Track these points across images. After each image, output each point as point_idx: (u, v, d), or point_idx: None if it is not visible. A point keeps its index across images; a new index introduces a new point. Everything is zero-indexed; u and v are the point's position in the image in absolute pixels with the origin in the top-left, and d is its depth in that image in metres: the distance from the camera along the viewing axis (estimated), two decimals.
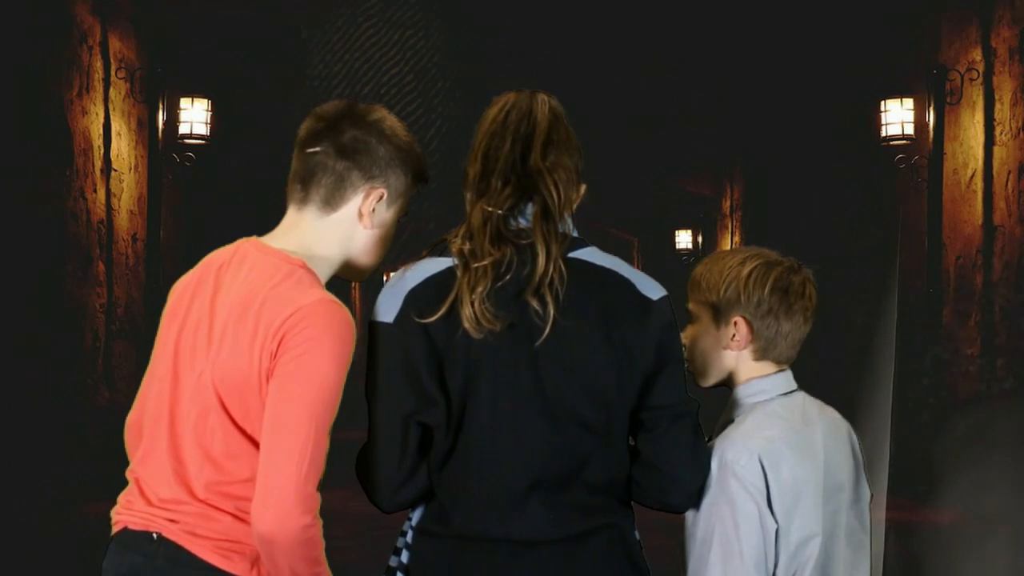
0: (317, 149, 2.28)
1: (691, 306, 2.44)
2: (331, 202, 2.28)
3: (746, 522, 2.25)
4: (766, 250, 2.42)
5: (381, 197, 2.29)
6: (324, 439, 2.13)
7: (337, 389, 2.14)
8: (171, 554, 2.18)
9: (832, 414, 2.44)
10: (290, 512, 2.08)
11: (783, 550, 2.28)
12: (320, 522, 2.13)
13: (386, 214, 2.33)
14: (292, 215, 2.32)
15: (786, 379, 2.41)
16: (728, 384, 2.43)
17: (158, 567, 2.19)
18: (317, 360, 2.11)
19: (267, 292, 2.18)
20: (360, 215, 2.29)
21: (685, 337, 2.43)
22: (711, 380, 2.44)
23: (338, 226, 2.29)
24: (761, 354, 2.38)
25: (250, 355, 2.15)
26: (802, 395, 2.42)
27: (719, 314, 2.38)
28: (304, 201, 2.30)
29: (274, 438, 2.11)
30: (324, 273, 2.29)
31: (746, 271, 2.36)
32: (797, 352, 2.42)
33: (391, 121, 2.32)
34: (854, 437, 2.45)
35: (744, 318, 2.36)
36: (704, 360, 2.42)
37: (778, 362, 2.40)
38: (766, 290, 2.34)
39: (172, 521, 2.19)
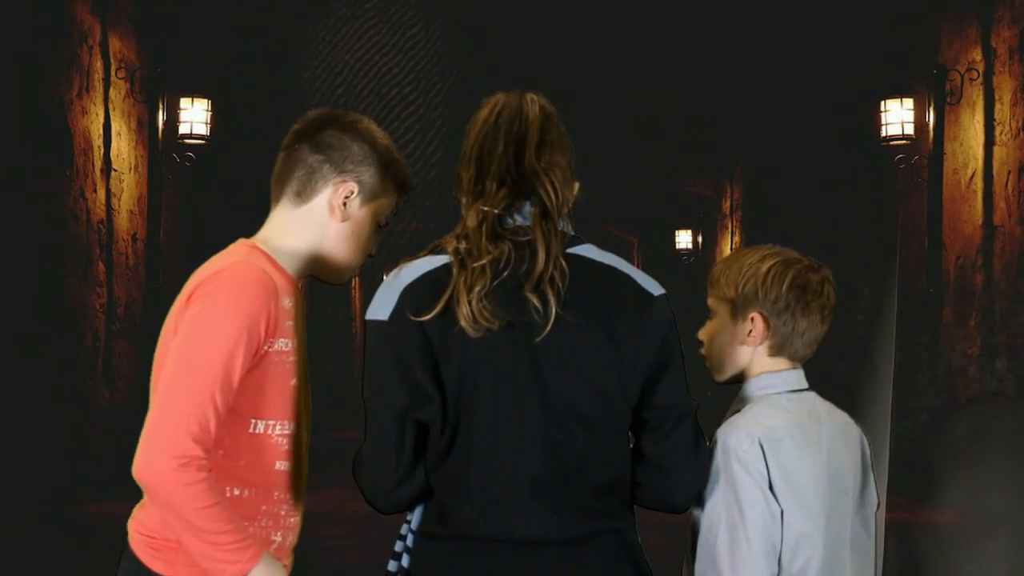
0: (295, 147, 2.34)
1: (710, 302, 2.46)
2: (302, 194, 2.33)
3: (751, 507, 2.25)
4: (786, 249, 2.44)
5: (352, 192, 2.33)
6: (208, 393, 2.11)
7: (228, 344, 2.13)
8: (124, 550, 2.26)
9: (843, 418, 2.44)
10: (154, 455, 2.07)
11: (785, 542, 2.27)
12: (203, 477, 2.07)
13: (359, 211, 2.35)
14: (270, 214, 2.38)
15: (797, 377, 2.42)
16: (742, 379, 2.45)
17: (118, 564, 2.28)
18: (208, 311, 2.14)
19: (203, 269, 2.24)
20: (331, 208, 2.33)
21: (703, 333, 2.46)
22: (726, 375, 2.46)
23: (307, 217, 2.33)
24: (776, 351, 2.40)
25: (172, 321, 2.22)
26: (813, 395, 2.43)
27: (736, 310, 2.39)
28: (279, 197, 2.36)
29: (157, 383, 2.16)
30: (292, 266, 2.33)
31: (765, 268, 2.37)
32: (813, 351, 2.43)
33: (371, 126, 2.38)
34: (865, 443, 2.45)
35: (761, 314, 2.37)
36: (720, 355, 2.44)
37: (793, 360, 2.42)
38: (784, 287, 2.36)
39: (133, 517, 2.28)
